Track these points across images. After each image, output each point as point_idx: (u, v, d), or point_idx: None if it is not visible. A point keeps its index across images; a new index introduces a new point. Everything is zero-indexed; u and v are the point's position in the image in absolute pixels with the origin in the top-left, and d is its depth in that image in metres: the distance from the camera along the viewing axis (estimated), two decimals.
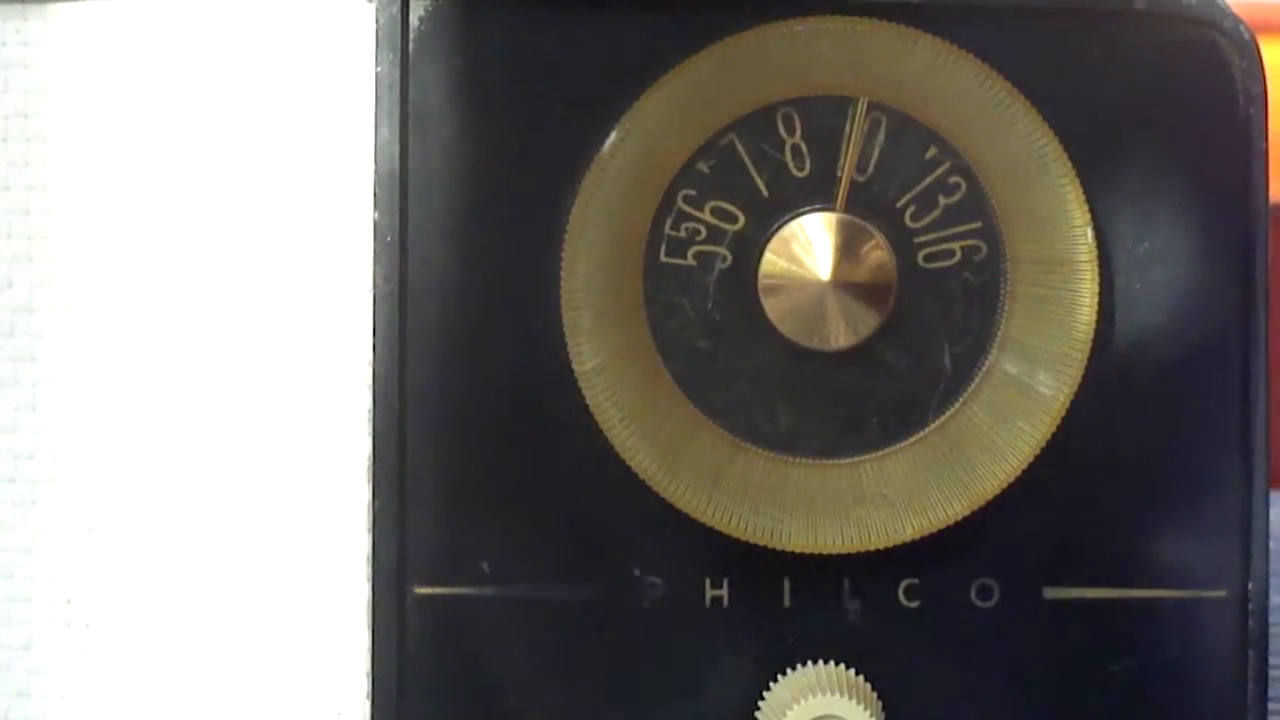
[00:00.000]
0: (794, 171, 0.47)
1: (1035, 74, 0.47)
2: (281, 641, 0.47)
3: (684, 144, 0.47)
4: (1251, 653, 0.48)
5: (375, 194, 0.47)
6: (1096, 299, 0.47)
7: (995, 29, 0.47)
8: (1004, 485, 0.47)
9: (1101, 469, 0.48)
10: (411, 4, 0.47)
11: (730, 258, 0.47)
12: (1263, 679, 0.48)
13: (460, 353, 0.47)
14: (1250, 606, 0.48)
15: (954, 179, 0.47)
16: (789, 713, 0.46)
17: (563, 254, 0.46)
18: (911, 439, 0.47)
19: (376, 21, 0.47)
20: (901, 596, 0.48)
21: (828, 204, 0.47)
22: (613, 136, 0.46)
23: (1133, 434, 0.48)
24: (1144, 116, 0.47)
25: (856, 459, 0.47)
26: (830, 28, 0.46)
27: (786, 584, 0.48)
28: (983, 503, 0.47)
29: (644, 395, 0.47)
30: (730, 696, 0.47)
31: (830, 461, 0.47)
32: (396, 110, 0.46)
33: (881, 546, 0.47)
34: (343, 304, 0.47)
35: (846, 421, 0.47)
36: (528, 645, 0.47)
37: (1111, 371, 0.47)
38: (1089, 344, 0.47)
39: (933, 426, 0.47)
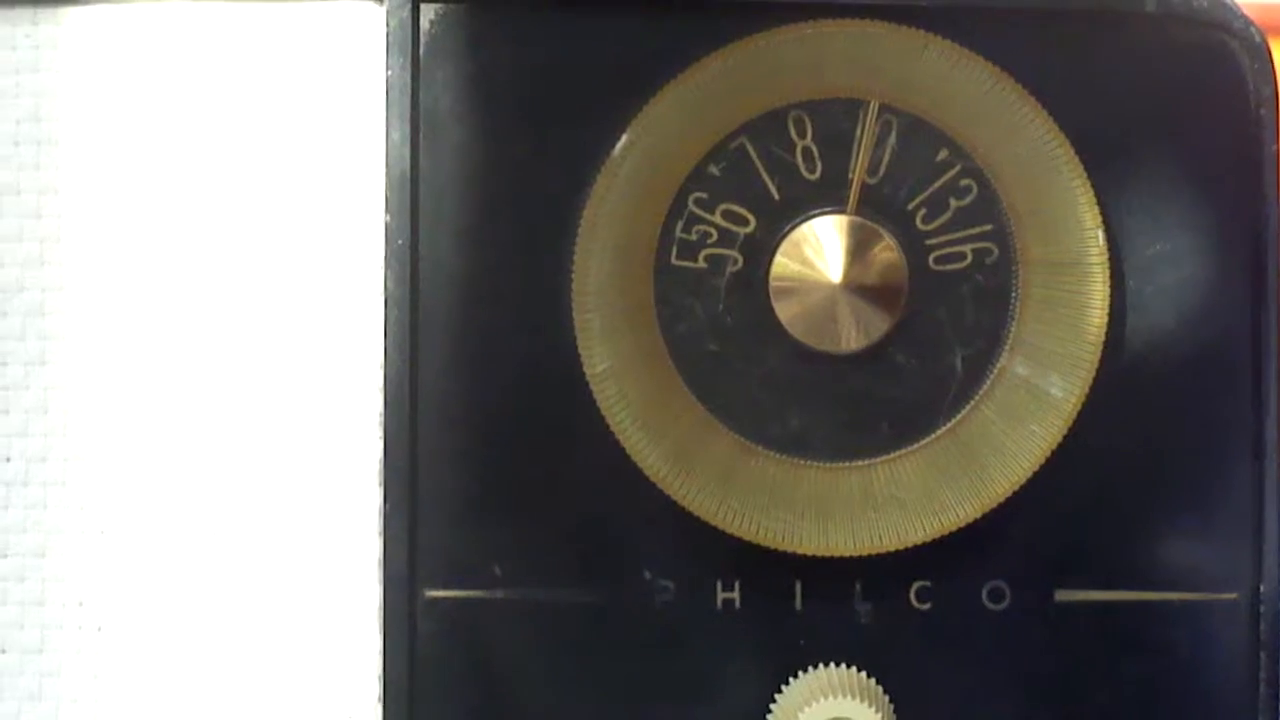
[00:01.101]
0: (805, 174, 0.47)
1: (1046, 76, 0.47)
2: (293, 645, 0.47)
3: (695, 147, 0.47)
4: (1263, 655, 0.48)
5: (386, 197, 0.47)
6: (1108, 301, 0.47)
7: (1006, 32, 0.47)
8: (1015, 487, 0.47)
9: (1113, 471, 0.48)
10: (422, 8, 0.47)
11: (741, 260, 0.47)
12: (1274, 682, 0.48)
13: (471, 356, 0.47)
14: (1261, 609, 0.47)
15: (965, 181, 0.47)
16: (800, 715, 0.46)
17: (574, 257, 0.46)
18: (923, 441, 0.47)
19: (387, 25, 0.47)
20: (913, 599, 0.48)
21: (839, 207, 0.47)
22: (623, 139, 0.46)
23: (1144, 436, 0.48)
24: (1155, 119, 0.47)
25: (868, 461, 0.47)
26: (841, 30, 0.46)
27: (798, 586, 0.48)
28: (994, 505, 0.47)
29: (655, 398, 0.47)
30: (741, 699, 0.47)
31: (841, 464, 0.47)
32: (407, 114, 0.46)
33: (893, 549, 0.47)
34: (354, 307, 0.47)
35: (857, 424, 0.47)
36: (539, 648, 0.47)
37: (1123, 373, 0.47)
38: (1100, 346, 0.47)
39: (944, 429, 0.47)
